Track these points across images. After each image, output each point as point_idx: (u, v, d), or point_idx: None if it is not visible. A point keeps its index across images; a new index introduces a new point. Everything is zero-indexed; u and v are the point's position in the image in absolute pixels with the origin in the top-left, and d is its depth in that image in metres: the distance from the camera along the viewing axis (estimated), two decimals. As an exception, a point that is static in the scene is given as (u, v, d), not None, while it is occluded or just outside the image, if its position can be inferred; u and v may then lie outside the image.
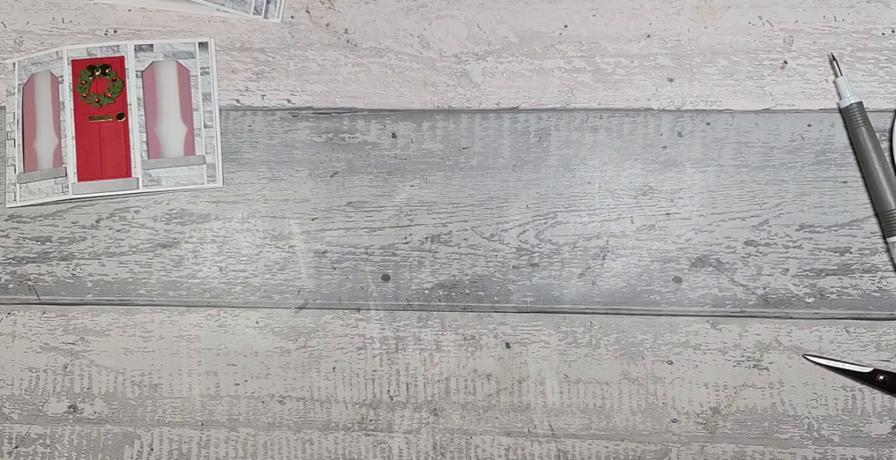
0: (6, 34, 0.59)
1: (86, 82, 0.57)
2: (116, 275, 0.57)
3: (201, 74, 0.58)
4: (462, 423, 0.55)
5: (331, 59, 0.57)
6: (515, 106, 0.56)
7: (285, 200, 0.57)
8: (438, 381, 0.55)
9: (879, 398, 0.53)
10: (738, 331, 0.54)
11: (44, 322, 0.57)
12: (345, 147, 0.57)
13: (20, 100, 0.58)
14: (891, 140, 0.54)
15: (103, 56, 0.58)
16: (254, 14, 0.57)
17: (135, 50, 0.58)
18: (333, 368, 0.56)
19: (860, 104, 0.54)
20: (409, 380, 0.55)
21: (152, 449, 0.56)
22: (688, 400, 0.54)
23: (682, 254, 0.55)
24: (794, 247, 0.55)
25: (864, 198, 0.54)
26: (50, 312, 0.57)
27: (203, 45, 0.58)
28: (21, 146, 0.58)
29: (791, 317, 0.54)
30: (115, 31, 0.58)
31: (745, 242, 0.55)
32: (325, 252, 0.56)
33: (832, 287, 0.54)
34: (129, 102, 0.57)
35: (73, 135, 0.57)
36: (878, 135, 0.54)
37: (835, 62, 0.55)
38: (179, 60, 0.58)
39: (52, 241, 0.57)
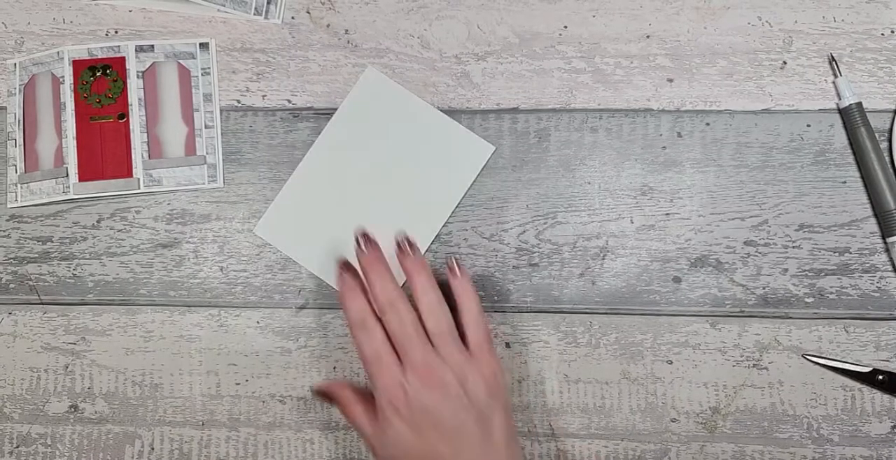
0: (7, 34, 0.59)
1: (87, 83, 0.57)
2: (117, 274, 0.57)
3: (202, 75, 0.58)
4: (462, 423, 0.55)
5: (331, 60, 0.57)
6: (515, 106, 0.56)
7: (286, 200, 0.57)
8: (438, 381, 0.55)
9: (879, 398, 0.54)
10: (737, 330, 0.54)
11: (45, 322, 0.57)
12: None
13: (21, 100, 0.58)
14: (890, 140, 0.54)
15: (104, 56, 0.58)
16: (254, 15, 0.57)
17: (136, 50, 0.58)
18: (334, 368, 0.56)
19: (859, 104, 0.54)
20: (410, 380, 0.56)
21: (153, 449, 0.56)
22: (687, 400, 0.54)
23: (682, 254, 0.55)
24: (793, 248, 0.55)
25: (864, 198, 0.54)
26: (51, 312, 0.57)
27: (204, 46, 0.58)
28: (22, 146, 0.58)
29: (790, 317, 0.54)
30: (116, 32, 0.58)
31: (745, 242, 0.55)
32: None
33: (831, 287, 0.54)
34: (130, 103, 0.57)
35: (75, 135, 0.57)
36: (877, 135, 0.54)
37: (834, 62, 0.55)
38: (180, 61, 0.58)
39: (53, 241, 0.58)
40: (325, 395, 0.50)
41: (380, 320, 0.48)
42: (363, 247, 0.49)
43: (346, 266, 0.50)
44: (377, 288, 0.48)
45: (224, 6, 0.56)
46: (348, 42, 0.58)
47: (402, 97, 0.55)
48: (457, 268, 0.50)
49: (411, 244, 0.49)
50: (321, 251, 0.54)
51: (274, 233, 0.55)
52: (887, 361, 0.54)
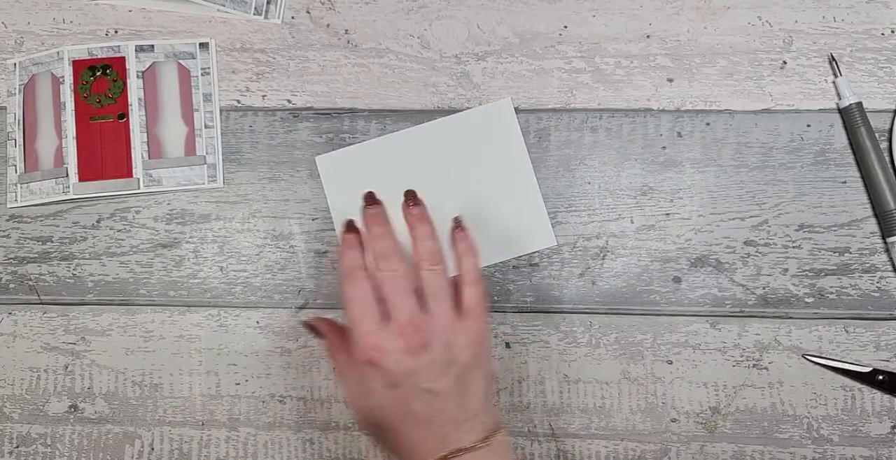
0: (7, 34, 0.59)
1: (87, 82, 0.57)
2: (117, 274, 0.57)
3: (202, 75, 0.58)
4: (462, 423, 0.55)
5: (331, 60, 0.57)
6: (515, 106, 0.56)
7: (286, 200, 0.57)
8: (438, 381, 0.55)
9: (879, 398, 0.54)
10: (737, 330, 0.54)
11: (45, 322, 0.57)
12: (345, 147, 0.57)
13: (21, 100, 0.58)
14: (890, 140, 0.54)
15: (104, 56, 0.58)
16: (254, 15, 0.57)
17: (136, 50, 0.58)
18: (334, 368, 0.56)
19: (859, 104, 0.54)
20: (410, 380, 0.55)
21: (153, 449, 0.56)
22: (687, 400, 0.54)
23: (682, 254, 0.55)
24: (793, 248, 0.55)
25: (864, 198, 0.54)
26: (51, 312, 0.57)
27: (204, 46, 0.58)
28: (22, 146, 0.58)
29: (790, 317, 0.54)
30: (116, 32, 0.58)
31: (745, 242, 0.55)
32: (325, 252, 0.56)
33: (831, 287, 0.54)
34: (129, 103, 0.57)
35: (74, 135, 0.57)
36: (877, 135, 0.54)
37: (834, 62, 0.55)
38: (180, 61, 0.58)
39: (52, 241, 0.58)
40: (314, 330, 0.50)
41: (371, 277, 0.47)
42: (367, 203, 0.49)
43: (351, 226, 0.49)
44: (376, 240, 0.48)
45: (224, 6, 0.56)
46: (348, 42, 0.58)
47: (513, 140, 0.56)
48: (461, 226, 0.49)
49: (417, 198, 0.49)
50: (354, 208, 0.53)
51: (329, 171, 0.56)
52: (887, 361, 0.54)
